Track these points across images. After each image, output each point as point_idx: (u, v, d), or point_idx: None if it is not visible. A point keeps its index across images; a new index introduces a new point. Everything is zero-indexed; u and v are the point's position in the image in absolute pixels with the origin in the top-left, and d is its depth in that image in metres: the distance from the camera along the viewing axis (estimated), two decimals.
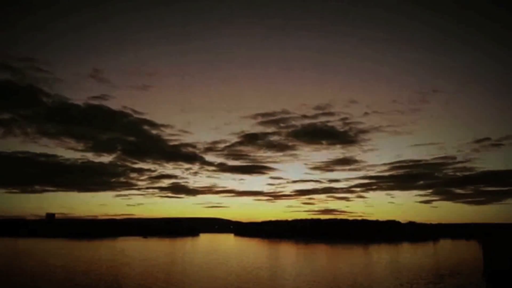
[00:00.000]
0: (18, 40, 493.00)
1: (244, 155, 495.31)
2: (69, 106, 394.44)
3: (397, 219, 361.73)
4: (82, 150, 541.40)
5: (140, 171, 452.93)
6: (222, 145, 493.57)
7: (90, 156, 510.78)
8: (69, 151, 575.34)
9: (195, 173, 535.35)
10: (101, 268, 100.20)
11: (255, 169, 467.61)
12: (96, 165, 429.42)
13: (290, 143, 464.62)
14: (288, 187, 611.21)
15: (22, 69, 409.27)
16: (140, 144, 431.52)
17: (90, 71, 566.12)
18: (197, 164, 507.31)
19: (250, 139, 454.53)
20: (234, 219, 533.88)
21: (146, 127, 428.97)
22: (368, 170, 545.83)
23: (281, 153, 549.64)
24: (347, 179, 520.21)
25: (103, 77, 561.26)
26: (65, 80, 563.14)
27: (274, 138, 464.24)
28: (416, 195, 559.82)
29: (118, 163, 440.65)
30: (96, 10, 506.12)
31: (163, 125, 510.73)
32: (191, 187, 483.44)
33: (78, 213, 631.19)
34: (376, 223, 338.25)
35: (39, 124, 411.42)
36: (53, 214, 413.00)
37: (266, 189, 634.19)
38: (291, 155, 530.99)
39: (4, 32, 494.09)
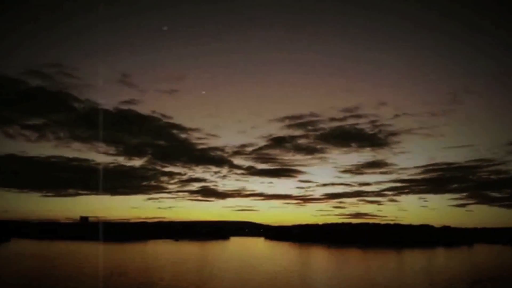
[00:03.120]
0: (47, 46, 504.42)
1: (272, 158, 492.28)
2: (99, 111, 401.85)
3: (430, 223, 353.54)
4: (113, 154, 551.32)
5: (170, 174, 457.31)
6: (250, 149, 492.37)
7: (121, 160, 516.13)
8: (100, 155, 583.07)
9: (224, 177, 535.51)
10: (135, 271, 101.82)
11: (284, 172, 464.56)
12: (127, 169, 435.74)
13: (318, 146, 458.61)
14: (318, 190, 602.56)
15: (52, 75, 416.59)
16: (169, 148, 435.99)
17: (118, 76, 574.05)
18: (226, 167, 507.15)
19: (278, 142, 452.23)
20: (263, 223, 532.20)
21: (174, 131, 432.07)
22: (399, 174, 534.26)
23: (309, 156, 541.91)
24: (378, 183, 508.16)
25: (132, 82, 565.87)
26: (95, 85, 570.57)
27: (302, 141, 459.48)
28: (450, 199, 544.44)
29: (149, 167, 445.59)
30: (123, 16, 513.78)
31: (191, 129, 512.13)
32: (220, 191, 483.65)
33: (110, 216, 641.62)
34: (409, 227, 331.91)
35: (71, 129, 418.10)
36: (86, 217, 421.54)
37: (295, 192, 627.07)
38: (320, 158, 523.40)
39: (34, 39, 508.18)
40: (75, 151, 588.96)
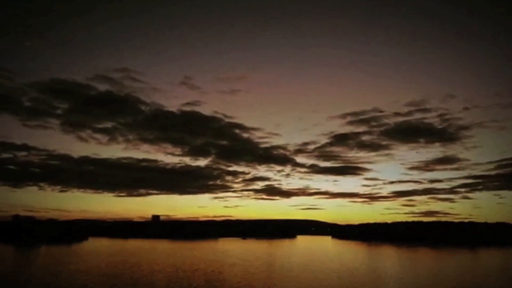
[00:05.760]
0: (115, 52, 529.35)
1: (336, 156, 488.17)
2: (165, 113, 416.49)
3: (507, 221, 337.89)
4: (179, 155, 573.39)
5: (235, 173, 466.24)
6: (312, 147, 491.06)
7: (187, 160, 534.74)
8: (168, 156, 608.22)
9: (287, 175, 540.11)
10: (209, 268, 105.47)
11: (348, 170, 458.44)
12: (194, 168, 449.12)
13: (383, 143, 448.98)
14: (385, 188, 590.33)
15: (120, 80, 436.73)
16: (232, 148, 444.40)
17: (181, 79, 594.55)
18: (289, 166, 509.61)
19: (340, 139, 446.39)
20: (330, 221, 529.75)
21: (237, 130, 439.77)
22: (472, 169, 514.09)
23: (374, 153, 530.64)
24: (449, 179, 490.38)
25: (194, 84, 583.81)
26: (160, 88, 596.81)
27: (366, 137, 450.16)
28: None
29: (214, 166, 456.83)
30: (184, 22, 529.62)
31: (253, 128, 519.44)
32: (284, 189, 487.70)
33: (180, 214, 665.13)
34: (485, 225, 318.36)
35: (139, 131, 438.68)
36: (158, 216, 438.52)
37: (362, 190, 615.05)
38: (385, 155, 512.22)
39: (103, 46, 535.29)
40: (144, 152, 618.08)
